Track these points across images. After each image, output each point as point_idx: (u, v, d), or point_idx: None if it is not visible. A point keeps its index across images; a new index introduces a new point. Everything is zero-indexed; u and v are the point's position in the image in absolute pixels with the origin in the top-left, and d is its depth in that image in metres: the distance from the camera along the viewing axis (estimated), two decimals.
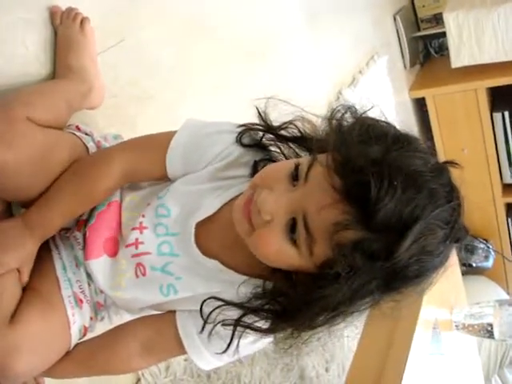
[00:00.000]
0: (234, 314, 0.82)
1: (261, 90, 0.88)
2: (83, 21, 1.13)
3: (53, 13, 1.10)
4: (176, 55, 1.45)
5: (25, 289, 0.95)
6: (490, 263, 3.48)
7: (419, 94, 3.31)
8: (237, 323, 0.81)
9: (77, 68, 1.10)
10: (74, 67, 1.10)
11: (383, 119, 0.80)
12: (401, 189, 0.67)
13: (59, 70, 1.11)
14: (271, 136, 0.91)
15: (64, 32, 1.11)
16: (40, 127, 0.94)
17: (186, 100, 1.47)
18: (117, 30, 1.26)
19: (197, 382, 1.47)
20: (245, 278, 0.85)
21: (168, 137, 0.94)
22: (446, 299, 1.75)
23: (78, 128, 1.05)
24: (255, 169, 0.90)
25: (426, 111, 3.32)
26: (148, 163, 0.95)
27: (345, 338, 1.83)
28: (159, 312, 0.97)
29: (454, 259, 0.78)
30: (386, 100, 2.83)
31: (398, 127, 0.79)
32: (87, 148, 1.01)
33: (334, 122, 0.80)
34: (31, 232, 0.92)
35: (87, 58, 1.13)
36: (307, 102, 0.89)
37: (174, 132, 0.94)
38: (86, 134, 1.05)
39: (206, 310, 0.85)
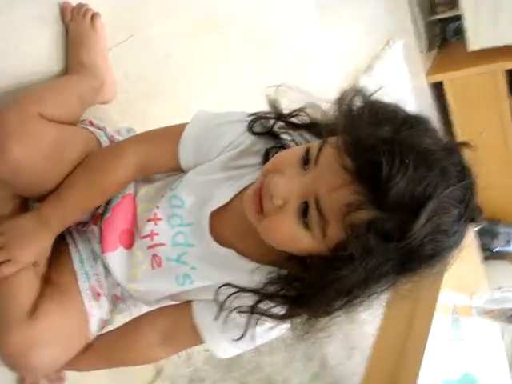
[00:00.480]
0: (249, 301, 0.82)
1: (272, 81, 0.88)
2: (93, 16, 1.14)
3: (63, 9, 1.11)
4: (185, 49, 1.45)
5: (43, 283, 0.97)
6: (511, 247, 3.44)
7: (436, 78, 3.28)
8: (252, 310, 0.81)
9: (88, 63, 1.11)
10: (85, 63, 1.11)
11: (393, 102, 0.79)
12: (412, 167, 0.67)
13: (71, 66, 1.12)
14: (282, 124, 0.91)
15: (75, 28, 1.12)
16: (53, 123, 0.94)
17: (196, 93, 1.47)
18: (127, 25, 1.26)
19: (218, 372, 1.48)
20: (259, 265, 0.85)
21: (179, 129, 0.94)
22: (466, 284, 1.74)
23: (91, 123, 1.06)
24: (267, 157, 0.90)
25: (444, 95, 3.28)
26: (160, 155, 0.95)
27: (366, 325, 1.82)
28: (176, 302, 0.97)
29: (469, 240, 0.77)
30: (403, 85, 2.81)
31: (408, 109, 0.78)
32: (100, 142, 1.02)
33: (343, 105, 0.79)
34: (45, 226, 0.93)
35: (98, 54, 1.13)
36: (320, 91, 0.88)
37: (186, 124, 0.94)
38: (99, 128, 1.05)
39: (222, 297, 0.85)
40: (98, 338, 1.00)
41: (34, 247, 0.94)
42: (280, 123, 0.91)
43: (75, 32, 1.11)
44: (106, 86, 1.15)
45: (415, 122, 0.74)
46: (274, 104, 0.90)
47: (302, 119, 0.89)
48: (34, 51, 1.07)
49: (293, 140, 0.91)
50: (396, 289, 0.76)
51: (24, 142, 0.88)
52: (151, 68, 1.34)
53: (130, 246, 0.97)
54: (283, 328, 0.86)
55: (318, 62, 2.15)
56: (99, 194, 0.95)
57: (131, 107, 1.26)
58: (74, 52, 1.12)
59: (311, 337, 0.80)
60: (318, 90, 0.85)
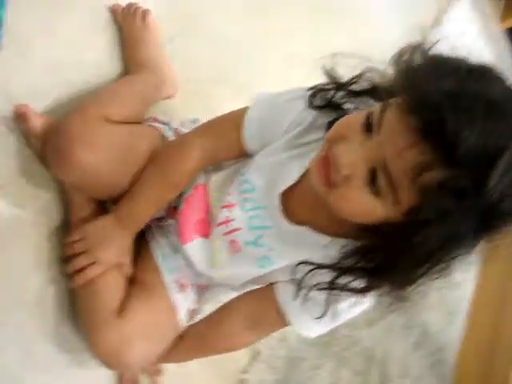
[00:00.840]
0: (327, 277, 0.81)
1: (338, 47, 0.85)
2: (144, 14, 1.15)
3: (113, 11, 1.13)
4: (243, 33, 1.44)
5: (129, 281, 1.00)
6: None
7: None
8: (331, 285, 0.80)
9: (146, 61, 1.13)
10: (143, 61, 1.12)
11: (455, 54, 0.74)
12: (481, 119, 0.62)
13: (130, 67, 1.14)
14: (342, 93, 0.88)
15: (127, 28, 1.13)
16: (117, 124, 0.97)
17: (260, 76, 1.46)
18: (180, 16, 1.27)
19: (315, 350, 1.47)
20: (334, 239, 0.83)
21: (241, 114, 0.93)
22: None
23: (155, 119, 1.08)
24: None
25: None
26: (226, 144, 0.95)
27: (462, 287, 1.76)
28: (260, 285, 0.97)
29: None
30: (476, 35, 2.67)
31: (472, 60, 0.73)
32: (166, 138, 1.03)
33: (402, 64, 0.76)
34: (124, 226, 0.96)
35: (154, 50, 1.15)
36: (383, 51, 0.85)
37: (247, 108, 0.94)
38: (164, 123, 1.06)
39: (300, 276, 0.84)
40: (188, 329, 1.02)
41: (116, 248, 0.97)
42: (340, 93, 0.88)
43: (128, 32, 1.13)
44: (167, 80, 1.16)
45: (480, 72, 0.69)
46: (331, 74, 0.88)
47: (362, 85, 0.86)
48: (94, 58, 1.10)
49: (355, 108, 0.88)
50: (488, 247, 0.72)
51: (90, 146, 0.90)
52: (210, 56, 1.34)
53: (206, 234, 0.98)
54: (367, 301, 0.84)
55: (380, 19, 2.08)
56: (169, 190, 0.97)
57: (195, 97, 1.26)
58: (131, 52, 1.13)
59: (401, 306, 0.78)
60: (381, 51, 0.82)
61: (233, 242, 0.95)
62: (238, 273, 0.95)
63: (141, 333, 0.94)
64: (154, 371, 1.08)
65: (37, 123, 0.97)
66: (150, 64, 1.13)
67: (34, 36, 0.83)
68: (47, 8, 0.94)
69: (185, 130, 1.07)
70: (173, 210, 1.01)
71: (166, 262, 1.02)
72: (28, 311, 0.97)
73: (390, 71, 0.79)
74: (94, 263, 0.95)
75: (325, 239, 0.84)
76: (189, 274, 1.01)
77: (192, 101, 1.25)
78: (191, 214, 0.99)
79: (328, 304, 0.82)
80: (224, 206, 0.96)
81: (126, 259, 0.99)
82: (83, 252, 0.96)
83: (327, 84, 0.89)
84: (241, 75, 1.41)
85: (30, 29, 0.80)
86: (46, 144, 0.94)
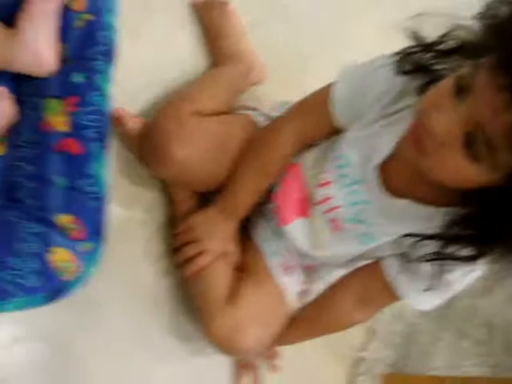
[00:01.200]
0: (433, 248, 0.79)
1: (424, 7, 0.81)
2: (223, 4, 1.16)
3: (194, 5, 1.15)
4: (326, 10, 1.41)
5: (236, 269, 1.02)
6: None
7: None
8: (438, 255, 0.78)
9: (230, 51, 1.14)
10: (227, 52, 1.13)
11: None
12: None
13: (215, 59, 1.15)
14: (430, 54, 0.85)
15: (208, 20, 1.15)
16: (209, 117, 0.99)
17: (347, 50, 1.42)
18: (258, 3, 1.26)
19: (433, 323, 1.44)
20: (436, 208, 0.81)
21: (328, 91, 0.92)
22: None
23: (246, 107, 1.09)
24: (422, 94, 0.85)
25: None
26: (316, 124, 0.95)
27: None
28: (366, 261, 0.96)
29: None
30: None
31: None
32: (258, 124, 1.04)
33: (489, 18, 0.71)
34: (226, 216, 0.99)
35: (237, 39, 1.15)
36: (472, 7, 0.81)
37: (333, 84, 0.92)
38: (254, 109, 1.07)
39: (406, 249, 0.83)
40: (299, 310, 1.03)
41: (221, 237, 1.00)
42: (428, 55, 0.85)
43: (210, 24, 1.14)
44: (254, 67, 1.16)
45: None
46: (416, 36, 0.84)
47: (450, 44, 0.82)
48: (180, 55, 1.13)
49: (445, 69, 0.84)
50: None
51: (184, 142, 0.93)
52: (294, 37, 1.33)
53: (306, 214, 0.98)
54: (478, 269, 0.81)
55: None
56: (266, 177, 0.98)
57: (283, 81, 1.25)
58: (215, 44, 1.15)
59: None
60: (467, 6, 0.78)
61: (333, 220, 0.94)
62: (341, 251, 0.95)
63: (252, 318, 0.96)
64: (270, 355, 1.10)
65: (133, 125, 1.01)
66: (235, 53, 1.13)
67: (120, 41, 0.86)
68: (128, 13, 0.97)
69: (275, 114, 1.07)
70: (270, 193, 1.02)
71: (269, 246, 1.03)
72: (143, 304, 1.03)
73: (478, 27, 0.75)
74: (202, 253, 0.98)
75: (427, 210, 0.82)
76: (293, 256, 1.02)
77: (280, 84, 1.24)
78: (288, 195, 0.99)
79: (438, 275, 0.80)
80: (321, 185, 0.95)
81: (232, 247, 1.01)
82: (191, 243, 0.99)
83: (414, 47, 0.86)
84: (328, 53, 1.39)
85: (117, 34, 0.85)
86: (142, 144, 0.98)
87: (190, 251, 1.00)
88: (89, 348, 0.97)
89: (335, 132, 0.94)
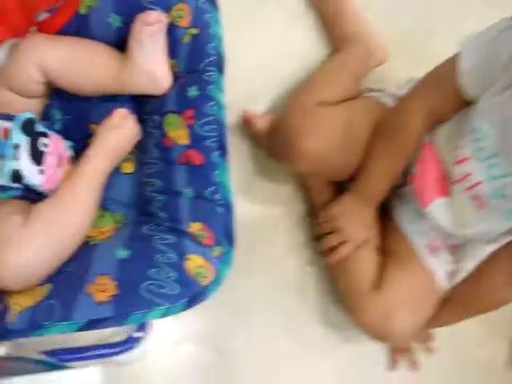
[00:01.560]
0: None
1: None
2: None
3: None
4: None
5: (380, 254, 1.01)
6: None
7: None
8: None
9: (346, 35, 1.12)
10: (346, 35, 1.12)
11: None
12: None
13: (334, 45, 1.15)
14: None
15: (323, 8, 1.14)
16: (334, 106, 0.99)
17: (468, 21, 1.33)
18: None
19: None
20: None
21: (453, 64, 0.87)
22: None
23: (370, 89, 1.07)
24: None
25: None
26: (444, 99, 0.91)
27: None
28: None
29: None
30: None
31: None
32: (384, 105, 1.02)
33: None
34: (365, 202, 0.98)
35: (354, 21, 1.13)
36: None
37: (457, 55, 0.87)
38: (379, 91, 1.05)
39: None
40: (450, 291, 0.99)
41: (362, 224, 1.00)
42: None
43: (325, 11, 1.14)
44: (375, 48, 1.13)
45: None
46: None
47: None
48: (298, 47, 1.14)
49: None
50: None
51: (313, 135, 0.93)
52: (411, 11, 1.27)
53: (446, 193, 0.94)
54: None
55: None
56: (400, 159, 0.96)
57: (406, 56, 1.21)
58: (332, 30, 1.14)
59: None
60: None
61: (476, 197, 0.89)
62: (486, 228, 0.90)
63: (402, 303, 0.95)
64: (424, 338, 1.07)
65: (262, 124, 1.04)
66: (354, 36, 1.11)
67: (235, 43, 0.89)
68: (241, 12, 1.00)
69: (403, 93, 1.03)
70: (407, 176, 0.99)
71: (412, 228, 1.01)
72: (290, 297, 1.05)
73: None
74: (344, 242, 0.99)
75: None
76: (437, 236, 0.99)
77: (403, 61, 1.19)
78: (426, 175, 0.95)
79: None
80: (458, 162, 0.90)
81: (373, 232, 1.01)
82: (333, 232, 1.00)
83: None
84: (450, 25, 1.30)
85: (232, 36, 0.87)
86: (273, 141, 1.00)
87: (332, 241, 1.00)
88: (241, 345, 1.02)
89: (465, 104, 0.89)
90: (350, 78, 1.06)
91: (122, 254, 0.69)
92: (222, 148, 0.75)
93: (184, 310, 0.66)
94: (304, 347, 1.05)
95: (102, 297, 0.64)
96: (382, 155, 0.95)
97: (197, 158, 0.75)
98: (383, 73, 1.15)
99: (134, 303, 0.64)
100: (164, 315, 0.65)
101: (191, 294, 0.66)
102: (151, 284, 0.65)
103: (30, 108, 0.78)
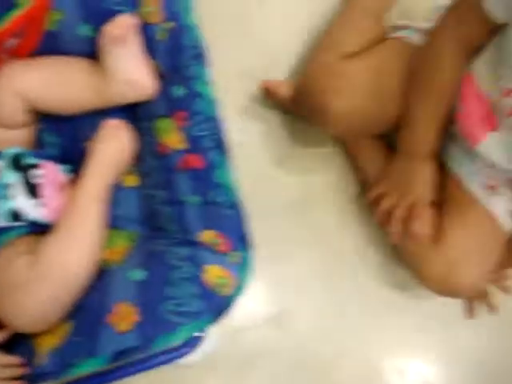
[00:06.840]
0: None
1: None
2: None
3: None
4: None
5: (437, 207, 0.95)
6: None
7: None
8: None
9: None
10: None
11: None
12: None
13: None
14: None
15: None
16: (358, 57, 0.93)
17: None
18: None
19: None
20: None
21: None
22: None
23: (396, 27, 0.99)
24: None
25: None
26: (476, 25, 0.82)
27: None
28: None
29: None
30: None
31: None
32: (413, 42, 0.94)
33: None
34: (419, 159, 0.91)
35: None
36: None
37: None
38: (405, 27, 0.97)
39: None
40: None
41: (424, 184, 0.92)
42: None
43: None
44: None
45: None
46: None
47: None
48: (309, 9, 1.09)
49: None
50: None
51: (341, 92, 0.88)
52: None
53: (496, 128, 0.87)
54: None
55: None
56: (441, 100, 0.88)
57: None
58: None
59: None
60: None
61: None
62: None
63: (465, 253, 0.90)
64: (498, 278, 1.02)
65: (284, 91, 0.99)
66: None
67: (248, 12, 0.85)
68: None
69: (430, 25, 0.95)
70: (451, 115, 0.92)
71: (465, 169, 0.95)
72: (353, 268, 1.03)
73: None
74: (414, 205, 0.91)
75: None
76: (493, 173, 0.92)
77: None
78: (471, 111, 0.88)
79: None
80: (505, 93, 0.82)
81: (434, 188, 0.93)
82: (396, 203, 0.93)
83: None
84: None
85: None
86: (301, 106, 0.95)
87: (400, 213, 0.92)
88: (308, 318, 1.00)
89: (499, 29, 0.81)
90: (370, 19, 0.98)
91: (138, 275, 0.67)
92: (220, 145, 0.70)
93: (212, 323, 0.63)
94: (372, 311, 1.03)
95: (123, 326, 0.62)
96: (422, 106, 0.88)
97: (196, 161, 0.71)
98: (407, 5, 1.05)
99: (156, 327, 0.62)
100: (191, 332, 0.62)
101: (216, 307, 0.64)
102: (171, 304, 0.63)
103: (20, 139, 0.77)
